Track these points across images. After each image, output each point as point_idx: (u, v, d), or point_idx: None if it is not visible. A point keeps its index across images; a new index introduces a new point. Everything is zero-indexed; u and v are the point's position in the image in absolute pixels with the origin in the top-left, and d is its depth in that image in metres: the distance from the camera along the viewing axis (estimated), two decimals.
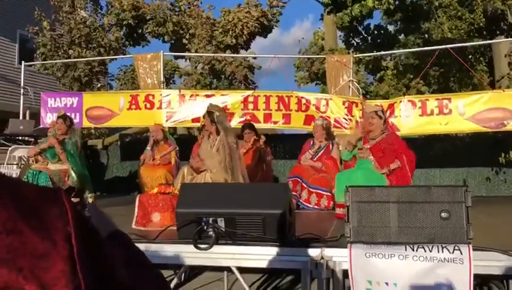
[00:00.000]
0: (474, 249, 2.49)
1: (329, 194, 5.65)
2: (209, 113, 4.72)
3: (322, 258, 2.82)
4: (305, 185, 5.83)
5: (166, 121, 7.76)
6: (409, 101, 7.13)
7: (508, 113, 6.60)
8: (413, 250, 2.51)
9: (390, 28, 17.01)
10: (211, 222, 3.00)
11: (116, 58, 12.29)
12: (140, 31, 13.88)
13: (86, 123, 8.26)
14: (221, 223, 2.99)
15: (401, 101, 7.17)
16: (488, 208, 5.68)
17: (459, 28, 12.90)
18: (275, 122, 7.59)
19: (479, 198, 7.19)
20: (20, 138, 8.19)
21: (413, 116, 6.99)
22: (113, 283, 0.60)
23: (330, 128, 6.72)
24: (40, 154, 5.61)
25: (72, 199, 0.59)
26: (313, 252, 2.84)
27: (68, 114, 6.66)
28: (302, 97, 7.50)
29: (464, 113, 6.78)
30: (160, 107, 7.85)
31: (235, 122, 7.26)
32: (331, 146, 6.29)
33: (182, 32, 13.72)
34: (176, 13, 13.97)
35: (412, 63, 14.15)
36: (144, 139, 9.37)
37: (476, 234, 2.57)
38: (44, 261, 0.51)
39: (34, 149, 5.73)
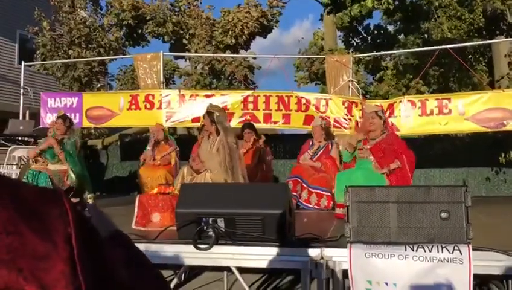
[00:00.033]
0: (473, 249, 2.49)
1: (329, 194, 5.65)
2: (209, 113, 4.72)
3: (322, 258, 2.82)
4: (305, 185, 5.84)
5: (166, 121, 7.76)
6: (408, 101, 7.13)
7: (507, 113, 6.60)
8: (413, 250, 2.51)
9: (390, 28, 17.01)
10: (210, 222, 3.00)
11: (116, 59, 12.30)
12: (140, 31, 13.88)
13: (86, 123, 8.26)
14: (221, 223, 2.99)
15: (400, 101, 7.17)
16: (487, 208, 5.68)
17: (459, 28, 12.89)
18: (275, 122, 7.59)
19: (479, 198, 7.20)
20: (20, 138, 8.19)
21: (413, 116, 6.99)
22: (113, 284, 0.60)
23: (329, 128, 6.72)
24: (40, 155, 5.61)
25: (72, 199, 0.59)
26: (313, 252, 2.85)
27: (68, 114, 6.66)
28: (302, 97, 7.51)
29: (464, 113, 6.78)
30: (160, 107, 7.85)
31: (235, 122, 7.26)
32: (330, 146, 6.30)
33: (181, 32, 13.72)
34: (176, 13, 13.97)
35: (411, 63, 14.15)
36: (144, 139, 9.37)
37: (475, 234, 2.57)
38: (45, 262, 0.51)
39: (34, 150, 5.72)
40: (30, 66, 11.00)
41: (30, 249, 0.51)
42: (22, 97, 8.99)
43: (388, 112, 6.95)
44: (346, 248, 2.62)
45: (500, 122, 6.64)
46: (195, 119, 7.48)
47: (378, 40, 16.18)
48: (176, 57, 15.30)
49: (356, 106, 7.24)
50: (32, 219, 0.53)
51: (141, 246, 2.75)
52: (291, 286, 4.31)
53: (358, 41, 16.62)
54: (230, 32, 13.56)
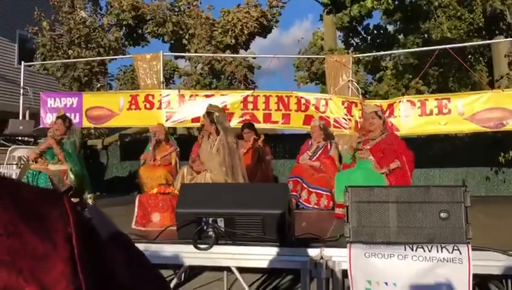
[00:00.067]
0: (473, 249, 2.49)
1: (328, 193, 5.65)
2: (209, 113, 4.73)
3: (322, 258, 2.82)
4: (305, 185, 5.84)
5: (166, 121, 7.76)
6: (408, 101, 7.13)
7: (507, 113, 6.60)
8: (412, 250, 2.52)
9: (390, 28, 17.01)
10: (210, 222, 3.00)
11: (115, 59, 12.29)
12: (140, 31, 13.88)
13: (86, 123, 8.26)
14: (220, 223, 3.00)
15: (400, 101, 7.17)
16: (487, 207, 5.68)
17: (459, 28, 12.89)
18: (275, 122, 7.59)
19: (478, 198, 7.20)
20: (19, 138, 8.18)
21: (412, 116, 6.99)
22: (114, 284, 0.60)
23: (327, 128, 6.73)
24: (41, 156, 5.62)
25: (72, 199, 0.59)
26: (313, 252, 2.85)
27: (68, 114, 6.66)
28: (302, 97, 7.51)
29: (463, 113, 6.78)
30: (160, 107, 7.85)
31: (235, 122, 7.26)
32: (329, 146, 6.31)
33: (181, 32, 13.72)
34: (176, 13, 13.97)
35: (411, 63, 14.15)
36: (144, 139, 9.37)
37: (475, 234, 2.58)
38: (45, 262, 0.51)
39: (34, 152, 5.72)
40: (30, 66, 11.00)
41: (30, 249, 0.51)
42: (21, 97, 8.98)
43: (388, 112, 6.96)
44: (345, 247, 2.62)
45: (500, 122, 6.64)
46: (195, 119, 7.47)
47: (378, 40, 16.19)
48: (176, 57, 15.31)
49: (356, 105, 7.25)
50: (32, 219, 0.54)
51: (141, 246, 2.75)
52: (291, 286, 4.32)
53: (358, 41, 16.62)
54: (230, 32, 13.57)
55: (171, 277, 3.86)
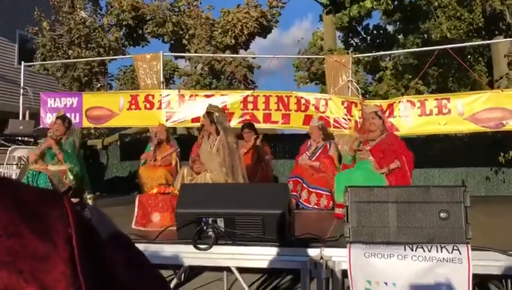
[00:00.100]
0: (473, 249, 2.49)
1: (328, 193, 5.66)
2: (209, 113, 4.73)
3: (322, 258, 2.83)
4: (305, 185, 5.85)
5: (166, 121, 7.76)
6: (408, 101, 7.14)
7: (507, 113, 6.60)
8: (412, 250, 2.52)
9: (389, 28, 17.03)
10: (210, 222, 3.00)
11: (115, 59, 12.29)
12: (140, 31, 13.89)
13: (86, 123, 8.26)
14: (220, 223, 3.00)
15: (400, 101, 7.17)
16: (487, 207, 5.69)
17: (458, 28, 12.89)
18: (275, 122, 7.59)
19: (478, 198, 7.21)
20: (19, 138, 8.19)
21: (412, 116, 6.99)
22: (114, 284, 0.60)
23: (326, 128, 6.73)
24: (42, 158, 5.62)
25: (71, 200, 0.59)
26: (312, 252, 2.85)
27: (68, 114, 6.66)
28: (302, 97, 7.51)
29: (463, 113, 6.78)
30: (160, 108, 7.85)
31: (235, 122, 7.26)
32: (328, 145, 6.32)
33: (181, 32, 13.73)
34: (176, 13, 13.98)
35: (411, 63, 14.16)
36: (144, 139, 9.38)
37: (474, 234, 2.58)
38: (45, 263, 0.51)
39: (34, 154, 5.72)
40: (30, 66, 11.00)
41: (30, 250, 0.51)
42: (21, 97, 8.98)
43: (388, 112, 6.96)
44: (345, 247, 2.62)
45: (500, 122, 6.64)
46: (195, 119, 7.48)
47: (378, 40, 16.21)
48: (176, 57, 15.33)
49: (356, 106, 7.25)
50: (32, 220, 0.54)
51: (141, 246, 2.75)
52: (290, 286, 4.32)
53: (358, 41, 16.64)
54: (229, 32, 13.57)
55: (171, 277, 3.86)
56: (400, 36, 16.42)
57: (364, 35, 16.48)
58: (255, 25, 13.68)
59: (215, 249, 2.96)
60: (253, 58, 14.60)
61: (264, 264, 3.02)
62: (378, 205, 2.67)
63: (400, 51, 14.13)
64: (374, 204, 2.68)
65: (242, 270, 3.43)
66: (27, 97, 9.25)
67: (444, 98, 7.08)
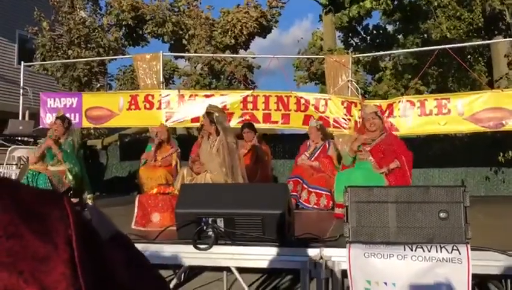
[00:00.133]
0: (472, 249, 2.50)
1: (328, 193, 5.65)
2: (208, 113, 4.73)
3: (321, 258, 2.83)
4: (305, 185, 5.85)
5: (166, 121, 7.76)
6: (407, 101, 7.14)
7: (506, 113, 6.61)
8: (411, 250, 2.52)
9: (389, 28, 17.05)
10: (210, 222, 3.00)
11: (115, 59, 12.29)
12: (139, 31, 13.88)
13: (86, 123, 8.26)
14: (220, 223, 3.00)
15: (400, 101, 7.18)
16: (486, 207, 5.69)
17: (458, 28, 12.91)
18: (274, 122, 7.59)
19: (478, 198, 7.21)
20: (19, 138, 8.18)
21: (412, 116, 7.00)
22: (113, 284, 0.60)
23: (325, 128, 6.73)
24: (42, 159, 5.62)
25: (71, 200, 0.59)
26: (312, 252, 2.85)
27: (67, 114, 6.65)
28: (301, 97, 7.51)
29: (463, 113, 6.79)
30: (159, 108, 7.85)
31: (235, 122, 7.26)
32: (327, 145, 6.32)
33: (181, 32, 13.73)
34: (175, 13, 13.98)
35: (410, 63, 14.17)
36: (143, 139, 9.38)
37: (474, 234, 2.58)
38: (45, 264, 0.51)
39: (34, 156, 5.72)
40: (30, 66, 11.00)
41: (31, 251, 0.51)
42: (21, 97, 8.98)
43: (387, 112, 6.96)
44: (345, 247, 2.62)
45: (499, 122, 6.65)
46: (195, 119, 7.48)
47: (377, 40, 16.22)
48: (176, 57, 15.33)
49: (355, 106, 7.25)
50: (32, 220, 0.54)
51: (141, 246, 2.75)
52: (290, 286, 4.32)
53: (358, 41, 16.65)
54: (229, 32, 13.57)
55: (171, 277, 3.86)
56: (400, 36, 16.43)
57: (364, 35, 16.49)
58: (255, 25, 13.68)
59: (215, 249, 2.96)
60: (253, 58, 14.62)
61: (263, 264, 3.02)
62: (378, 205, 2.67)
63: (400, 51, 14.13)
64: (373, 204, 2.68)
65: (242, 270, 3.43)
66: (27, 97, 9.25)
67: (444, 98, 7.09)
